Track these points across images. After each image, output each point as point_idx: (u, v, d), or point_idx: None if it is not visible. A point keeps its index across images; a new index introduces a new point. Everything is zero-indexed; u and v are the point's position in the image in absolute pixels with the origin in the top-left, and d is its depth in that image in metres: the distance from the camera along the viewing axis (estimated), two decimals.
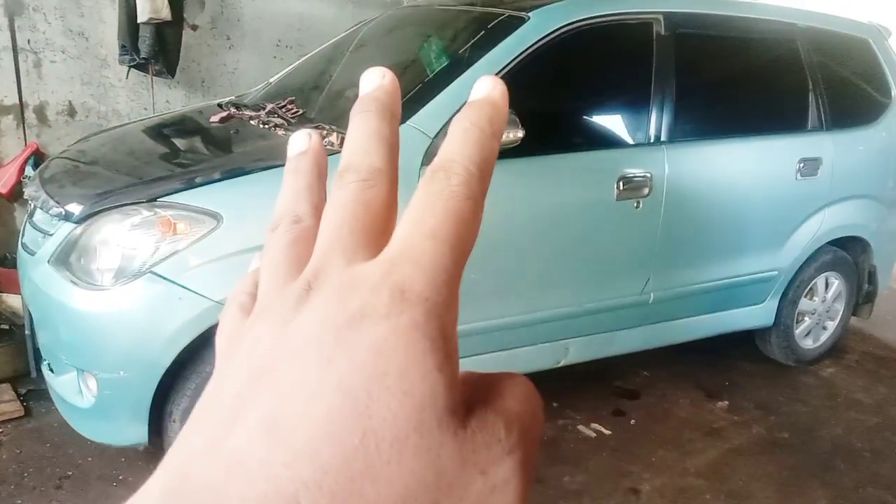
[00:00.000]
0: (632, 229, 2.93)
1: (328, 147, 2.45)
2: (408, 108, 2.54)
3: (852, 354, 4.08)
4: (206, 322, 2.16)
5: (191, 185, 2.23)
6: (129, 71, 3.98)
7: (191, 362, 2.26)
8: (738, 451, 3.04)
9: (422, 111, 2.49)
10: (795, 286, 3.62)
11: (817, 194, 3.47)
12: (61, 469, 2.59)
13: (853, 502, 2.76)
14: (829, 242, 3.65)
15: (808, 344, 3.84)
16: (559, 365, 2.98)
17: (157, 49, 3.81)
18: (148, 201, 2.19)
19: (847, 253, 3.82)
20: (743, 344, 3.85)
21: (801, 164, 3.35)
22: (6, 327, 3.16)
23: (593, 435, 3.08)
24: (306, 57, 3.65)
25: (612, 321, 3.04)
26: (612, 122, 2.98)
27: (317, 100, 3.16)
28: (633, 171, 2.85)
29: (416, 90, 2.69)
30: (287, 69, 3.59)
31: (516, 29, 2.69)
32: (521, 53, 2.63)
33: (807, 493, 2.79)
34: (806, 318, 3.78)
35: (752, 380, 3.67)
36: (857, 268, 3.90)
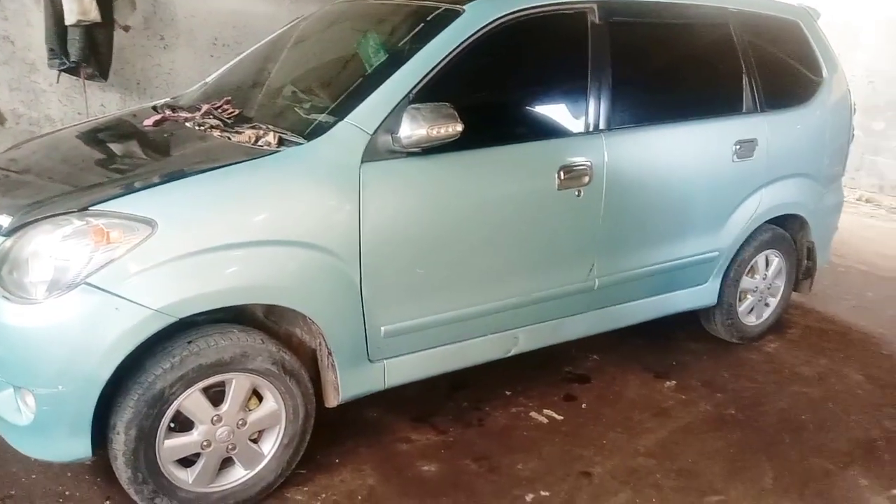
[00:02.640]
0: (574, 218, 2.96)
1: (266, 146, 2.43)
2: (346, 106, 2.52)
3: (795, 329, 4.20)
4: (145, 332, 2.12)
5: (123, 192, 2.17)
6: (59, 75, 3.87)
7: (133, 373, 2.21)
8: (687, 429, 3.11)
9: (359, 108, 2.47)
10: (737, 265, 3.70)
11: (754, 175, 3.55)
12: (4, 489, 2.51)
13: (798, 473, 2.84)
14: (767, 221, 3.74)
15: (751, 321, 3.94)
16: (509, 354, 3.01)
17: (88, 52, 3.71)
18: (79, 210, 2.12)
19: (786, 231, 3.92)
20: (688, 324, 3.93)
21: (738, 146, 3.43)
22: None
23: (545, 421, 3.11)
24: (243, 55, 3.59)
25: (559, 309, 3.07)
26: (550, 112, 2.99)
27: (255, 98, 3.11)
28: (573, 160, 2.87)
29: (354, 87, 2.66)
30: (223, 68, 3.53)
31: (452, 22, 2.68)
32: (458, 46, 2.63)
33: (754, 466, 2.87)
34: (748, 296, 3.88)
35: (699, 359, 3.76)
36: (796, 245, 4.00)
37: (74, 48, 3.67)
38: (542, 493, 2.65)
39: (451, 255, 2.67)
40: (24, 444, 2.23)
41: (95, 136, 2.99)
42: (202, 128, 2.73)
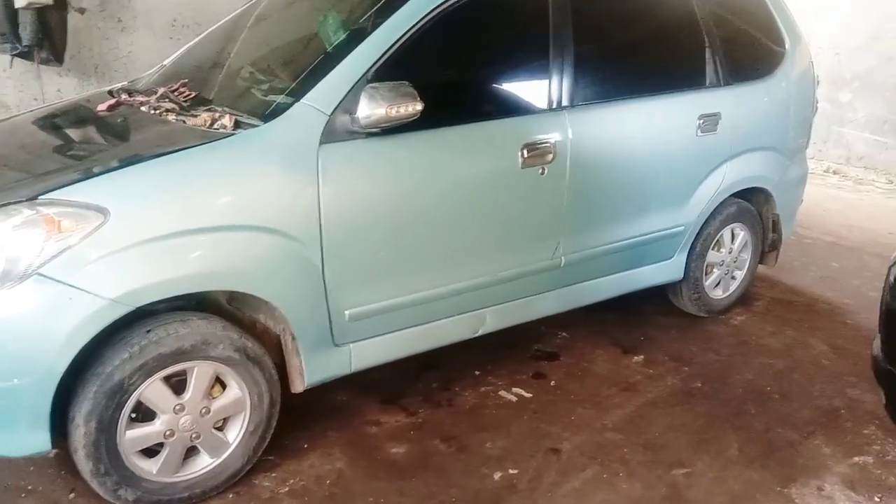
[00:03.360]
0: (539, 196, 2.95)
1: (221, 129, 2.39)
2: (303, 86, 2.48)
3: (762, 301, 4.25)
4: (101, 322, 2.09)
5: (74, 180, 2.12)
6: (12, 60, 3.77)
7: (92, 364, 2.18)
8: (654, 403, 3.14)
9: (316, 88, 2.43)
10: (702, 239, 3.72)
11: (718, 149, 3.56)
12: None
13: (763, 444, 2.88)
14: (732, 195, 3.76)
15: (718, 294, 3.97)
16: (477, 334, 3.01)
17: (41, 36, 3.62)
18: (28, 200, 2.07)
19: (751, 204, 3.94)
20: (656, 299, 3.96)
21: (701, 121, 3.43)
22: None
23: (514, 399, 3.12)
24: (202, 36, 3.52)
25: (526, 287, 3.07)
26: (513, 89, 2.97)
27: (213, 80, 3.05)
28: (536, 138, 2.86)
29: (312, 67, 2.62)
30: (181, 50, 3.46)
31: None
32: (418, 23, 2.59)
33: (719, 438, 2.90)
34: (715, 270, 3.91)
35: (667, 333, 3.79)
36: (762, 218, 4.03)
37: (26, 32, 3.57)
38: (511, 470, 2.66)
39: (414, 237, 2.65)
40: None
41: (50, 123, 2.92)
42: (157, 112, 2.68)
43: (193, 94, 2.81)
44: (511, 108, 2.90)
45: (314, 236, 2.41)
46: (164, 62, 3.42)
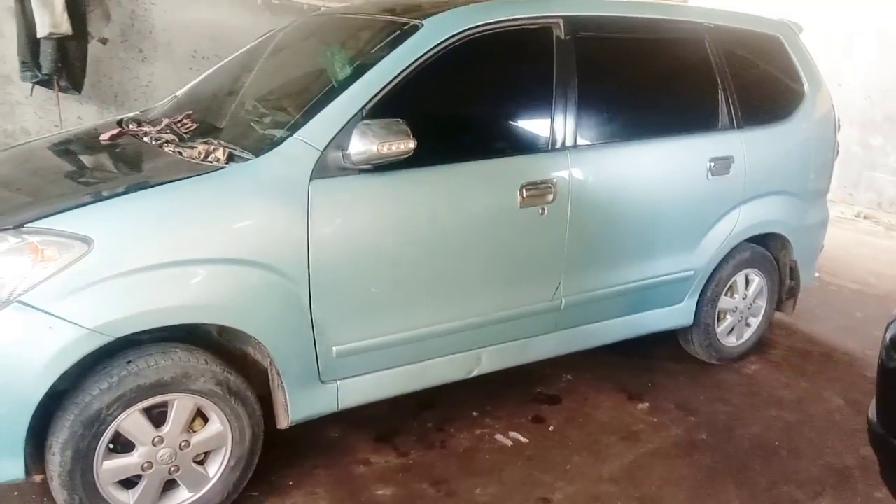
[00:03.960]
0: (538, 235, 2.90)
1: (214, 162, 2.39)
2: (298, 121, 2.48)
3: (778, 350, 4.11)
4: (80, 351, 2.08)
5: (60, 209, 2.13)
6: (32, 87, 3.86)
7: (70, 393, 2.17)
8: (655, 454, 3.03)
9: (310, 123, 2.43)
10: (714, 284, 3.62)
11: (730, 192, 3.48)
12: None
13: (766, 503, 2.76)
14: (746, 240, 3.66)
15: (731, 342, 3.86)
16: (472, 375, 2.95)
17: (60, 64, 3.71)
18: (14, 227, 2.09)
19: (766, 249, 3.84)
20: (668, 344, 3.86)
21: (712, 164, 3.36)
22: None
23: (510, 444, 3.04)
24: (214, 68, 3.57)
25: (524, 328, 3.01)
26: (512, 129, 2.94)
27: (217, 112, 3.07)
28: (536, 178, 2.82)
29: (310, 102, 2.62)
30: (194, 81, 3.51)
31: (410, 37, 2.64)
32: (415, 62, 2.59)
33: (720, 495, 2.79)
34: (728, 316, 3.80)
35: (676, 380, 3.67)
36: (778, 264, 3.92)
37: (46, 61, 3.66)
38: None
39: (405, 275, 2.61)
40: None
41: (59, 149, 2.96)
42: (157, 142, 2.70)
43: (195, 125, 2.83)
44: (509, 148, 2.87)
45: (302, 271, 2.39)
46: (177, 93, 3.47)
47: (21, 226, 2.09)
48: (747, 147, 3.49)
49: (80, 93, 3.96)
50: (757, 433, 3.23)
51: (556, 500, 2.70)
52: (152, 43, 4.36)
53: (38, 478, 2.55)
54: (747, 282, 3.82)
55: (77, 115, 4.15)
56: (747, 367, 3.87)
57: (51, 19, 3.55)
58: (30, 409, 2.06)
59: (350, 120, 2.43)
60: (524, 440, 3.07)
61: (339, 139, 2.41)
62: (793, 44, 3.82)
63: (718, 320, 3.76)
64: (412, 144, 2.40)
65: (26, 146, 3.18)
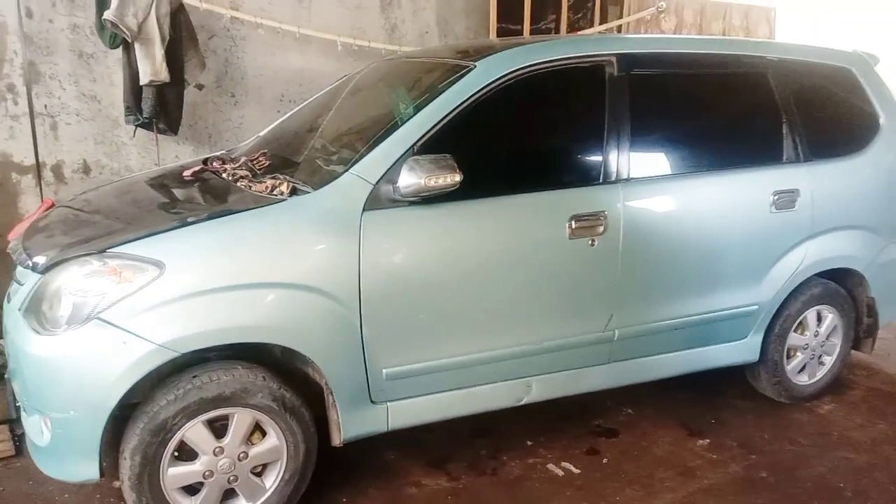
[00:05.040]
0: (589, 267, 2.95)
1: (278, 196, 2.60)
2: (355, 157, 2.66)
3: (857, 390, 3.94)
4: (150, 364, 2.31)
5: (138, 236, 2.39)
6: (135, 130, 4.26)
7: (141, 404, 2.40)
8: (709, 490, 2.98)
9: (364, 159, 2.61)
10: (782, 320, 3.54)
11: (796, 227, 3.41)
12: None
13: None
14: (817, 275, 3.57)
15: (802, 380, 3.74)
16: (522, 403, 3.00)
17: (158, 109, 4.07)
18: (98, 252, 2.35)
19: (841, 285, 3.72)
20: (738, 381, 3.78)
21: (776, 197, 3.32)
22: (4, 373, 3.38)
23: (561, 474, 3.07)
24: (295, 110, 3.84)
25: (575, 359, 3.05)
26: (562, 162, 3.02)
27: (293, 149, 3.30)
28: (586, 210, 2.89)
29: (369, 140, 2.79)
30: (275, 123, 3.79)
31: (463, 77, 2.79)
32: (467, 100, 2.73)
33: None
34: (798, 353, 3.69)
35: (741, 417, 3.59)
36: (854, 301, 3.79)
37: (147, 105, 4.04)
38: None
39: (454, 302, 2.73)
40: (43, 463, 2.46)
41: (153, 184, 3.25)
42: (233, 178, 2.95)
43: (268, 162, 3.08)
44: (558, 180, 2.95)
45: (353, 297, 2.54)
46: (261, 133, 3.76)
47: (104, 251, 2.36)
48: (815, 180, 3.43)
49: (175, 134, 4.33)
50: (822, 474, 3.12)
51: None
52: (244, 88, 4.72)
53: (115, 483, 2.81)
54: (819, 318, 3.70)
55: (174, 154, 4.53)
56: (820, 407, 3.74)
57: (151, 68, 3.94)
58: (104, 416, 2.30)
59: (402, 156, 2.59)
60: (576, 471, 3.10)
61: (391, 174, 2.57)
62: (866, 75, 3.73)
63: (788, 357, 3.66)
64: (458, 178, 2.53)
65: (128, 180, 3.52)
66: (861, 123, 3.69)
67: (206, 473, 2.48)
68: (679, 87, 3.25)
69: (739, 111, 3.40)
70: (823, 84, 3.64)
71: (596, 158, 2.98)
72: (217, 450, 2.47)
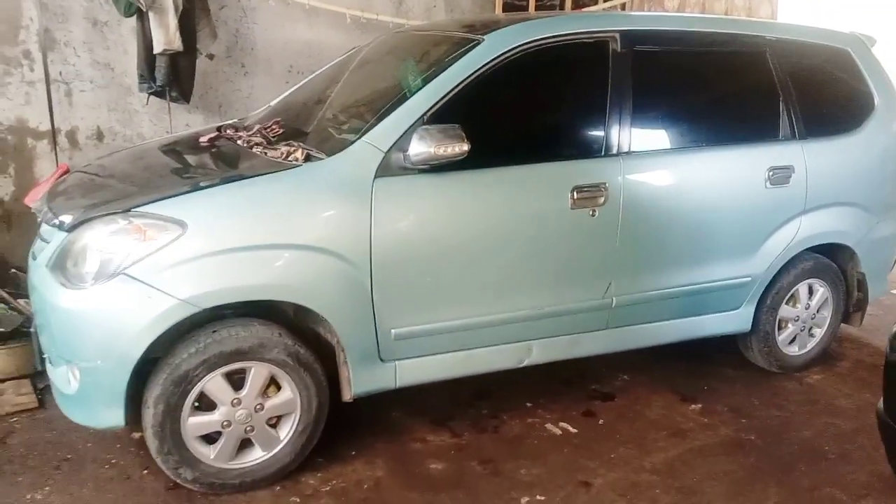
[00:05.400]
0: (589, 236, 3.08)
1: (293, 162, 2.72)
2: (367, 126, 2.77)
3: (845, 362, 4.09)
4: (173, 318, 2.43)
5: (162, 197, 2.51)
6: (148, 98, 4.36)
7: (165, 355, 2.53)
8: (700, 450, 3.13)
9: (376, 128, 2.72)
10: (774, 292, 3.67)
11: (790, 202, 3.54)
12: (62, 453, 2.90)
13: (804, 501, 2.82)
14: (809, 249, 3.70)
15: (792, 350, 3.88)
16: (523, 365, 3.14)
17: (171, 77, 4.17)
18: (123, 211, 2.47)
19: (833, 260, 3.85)
20: (730, 351, 3.93)
21: (771, 173, 3.44)
22: (29, 329, 3.51)
23: (559, 433, 3.22)
24: (304, 81, 3.94)
25: (574, 324, 3.18)
26: (565, 135, 3.13)
27: (305, 119, 3.41)
28: (587, 182, 3.00)
29: (380, 110, 2.90)
30: (286, 93, 3.89)
31: (471, 50, 2.89)
32: (475, 73, 2.83)
33: (759, 491, 2.87)
34: (789, 325, 3.83)
35: (732, 385, 3.74)
36: (845, 275, 3.92)
37: (160, 74, 4.14)
38: (539, 497, 2.77)
39: (459, 267, 2.85)
40: (71, 410, 2.60)
41: (167, 149, 3.37)
42: (248, 145, 3.06)
43: (282, 130, 3.19)
44: (562, 153, 3.05)
45: (365, 260, 2.67)
46: (271, 102, 3.86)
47: (129, 210, 2.48)
48: (809, 158, 3.54)
49: (188, 103, 4.42)
50: (808, 438, 3.27)
51: (596, 485, 2.86)
52: (253, 59, 4.81)
53: (135, 434, 2.96)
54: (811, 291, 3.84)
55: (186, 122, 4.62)
56: (809, 377, 3.89)
57: (165, 37, 4.03)
58: (130, 365, 2.43)
59: (412, 125, 2.70)
60: (573, 430, 3.24)
61: (402, 142, 2.68)
62: (863, 57, 3.83)
63: (779, 328, 3.80)
64: (465, 147, 2.64)
65: (140, 147, 3.64)
66: (856, 103, 3.80)
67: (225, 423, 2.62)
68: (680, 64, 3.35)
69: (738, 89, 3.51)
70: (821, 64, 3.74)
71: (598, 132, 3.09)
72: (235, 401, 2.61)
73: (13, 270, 4.17)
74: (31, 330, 2.90)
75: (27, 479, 2.72)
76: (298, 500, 2.69)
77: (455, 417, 3.30)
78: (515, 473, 2.91)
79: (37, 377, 3.40)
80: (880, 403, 2.26)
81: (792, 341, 3.87)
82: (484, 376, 3.15)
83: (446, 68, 2.84)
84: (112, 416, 2.49)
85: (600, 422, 3.34)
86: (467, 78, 2.81)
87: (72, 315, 2.45)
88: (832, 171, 3.66)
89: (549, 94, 3.08)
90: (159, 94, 4.30)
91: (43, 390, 3.32)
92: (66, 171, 4.21)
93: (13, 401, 3.23)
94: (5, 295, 3.79)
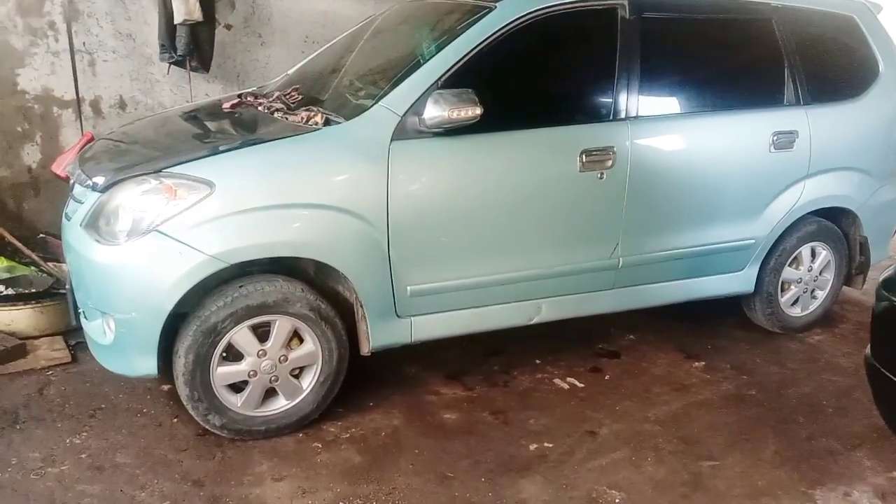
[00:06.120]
0: (597, 198, 3.19)
1: (313, 125, 2.84)
2: (383, 91, 2.89)
3: (846, 324, 4.21)
4: (203, 273, 2.58)
5: (191, 158, 2.64)
6: (169, 67, 4.48)
7: (195, 308, 2.69)
8: (702, 404, 3.28)
9: (392, 93, 2.84)
10: (777, 255, 3.79)
11: (794, 166, 3.64)
12: (96, 403, 3.07)
13: (801, 450, 2.96)
14: (812, 213, 3.80)
15: (795, 312, 4.00)
16: (532, 322, 3.28)
17: (192, 47, 4.29)
18: (154, 172, 2.61)
19: (836, 224, 3.95)
20: (734, 313, 4.05)
21: (775, 138, 3.53)
22: (60, 290, 3.68)
23: (566, 387, 3.37)
24: (320, 50, 4.05)
25: (582, 283, 3.31)
26: (574, 100, 3.24)
27: (323, 86, 3.53)
28: (596, 145, 3.11)
29: (396, 76, 3.01)
30: (303, 62, 4.00)
31: (484, 17, 3.00)
32: (487, 39, 2.93)
33: (758, 440, 3.01)
34: (792, 287, 3.94)
35: (736, 344, 3.87)
36: (847, 239, 4.02)
37: (181, 44, 4.26)
38: (546, 444, 2.92)
39: (471, 227, 2.98)
40: (106, 360, 2.76)
41: (189, 116, 3.50)
42: (269, 110, 3.18)
43: (301, 97, 3.31)
44: (571, 117, 3.16)
45: (382, 219, 2.80)
46: (289, 71, 3.97)
47: (160, 171, 2.61)
48: (813, 123, 3.63)
49: (207, 72, 4.55)
50: (807, 393, 3.41)
51: (601, 434, 3.01)
52: (270, 29, 4.92)
53: (164, 386, 3.13)
54: (813, 254, 3.94)
55: (205, 91, 4.75)
56: (811, 338, 4.01)
57: (185, 7, 4.14)
58: (162, 317, 2.59)
59: (427, 90, 2.82)
60: (580, 385, 3.39)
61: (417, 106, 2.80)
62: (868, 24, 3.90)
63: (782, 290, 3.91)
64: (479, 111, 2.75)
65: (162, 114, 3.77)
66: (861, 70, 3.88)
67: (251, 373, 2.77)
68: (687, 30, 3.43)
69: (744, 55, 3.59)
70: (826, 31, 3.81)
71: (606, 97, 3.19)
72: (261, 352, 2.76)
73: (42, 235, 4.33)
74: (66, 287, 3.05)
75: (66, 426, 2.90)
76: (320, 445, 2.85)
77: (468, 373, 3.45)
78: (525, 423, 3.06)
79: (69, 334, 3.58)
80: (868, 349, 2.40)
81: (794, 303, 3.99)
82: (495, 335, 3.30)
83: (460, 34, 2.95)
84: (145, 364, 2.65)
85: (606, 377, 3.48)
86: (480, 44, 2.92)
87: (107, 270, 2.60)
88: (836, 136, 3.75)
89: (560, 60, 3.17)
90: (180, 63, 4.43)
91: (75, 346, 3.49)
92: (91, 139, 4.36)
93: (48, 355, 3.40)
94: (36, 258, 3.96)
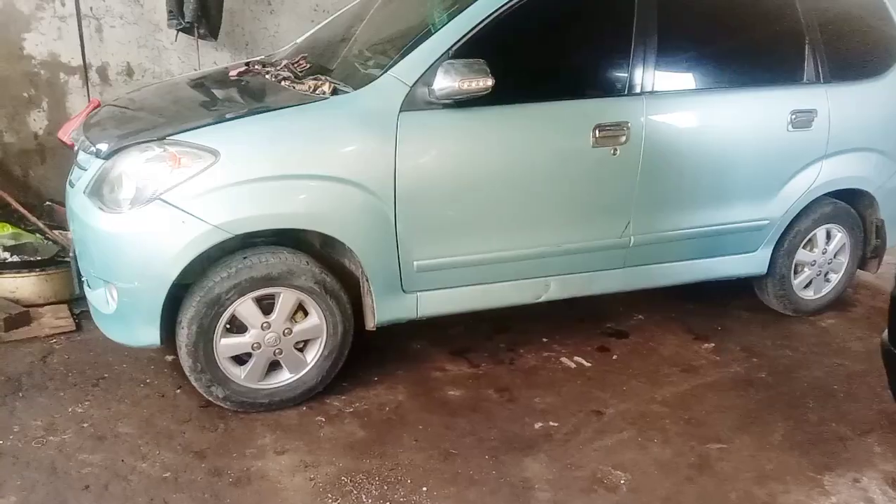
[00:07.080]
0: (609, 175, 3.13)
1: (320, 94, 2.78)
2: (393, 61, 2.82)
3: (859, 308, 4.15)
4: (206, 243, 2.54)
5: (196, 126, 2.59)
6: (177, 34, 4.42)
7: (199, 278, 2.65)
8: (710, 385, 3.23)
9: (402, 63, 2.77)
10: (791, 236, 3.72)
11: (812, 146, 3.55)
12: (99, 372, 3.05)
13: (811, 434, 2.91)
14: (828, 194, 3.72)
15: (808, 295, 3.94)
16: (540, 300, 3.23)
17: (200, 14, 4.22)
18: (159, 139, 2.57)
19: (853, 206, 3.87)
20: (745, 294, 3.99)
21: (794, 116, 3.45)
22: (65, 258, 3.66)
23: (573, 366, 3.33)
24: (329, 19, 3.97)
25: (593, 262, 3.25)
26: (589, 73, 3.15)
27: (331, 55, 3.46)
28: (610, 120, 3.04)
29: (405, 45, 2.94)
30: (312, 30, 3.93)
31: None
32: (500, 8, 2.85)
33: (766, 423, 2.96)
34: (805, 269, 3.88)
35: (746, 327, 3.82)
36: (864, 222, 3.95)
37: (189, 10, 4.19)
38: (552, 423, 2.89)
39: (480, 202, 2.92)
40: (109, 329, 2.74)
41: (196, 84, 3.45)
42: (276, 79, 3.12)
43: (309, 66, 3.24)
44: (585, 91, 3.09)
45: (389, 192, 2.75)
46: (297, 40, 3.91)
47: (164, 138, 2.57)
48: (833, 102, 3.54)
49: (216, 40, 4.48)
50: (817, 377, 3.35)
51: (607, 414, 2.97)
52: None
53: (168, 357, 3.11)
54: (828, 236, 3.87)
55: (213, 59, 4.68)
56: (823, 321, 3.95)
57: None
58: (166, 286, 2.55)
59: (437, 60, 2.75)
60: (587, 364, 3.35)
61: (427, 76, 2.73)
62: (894, 2, 3.79)
63: (795, 272, 3.85)
64: (490, 82, 2.68)
65: (169, 81, 3.72)
66: (883, 48, 3.77)
67: (255, 345, 2.75)
68: (705, 5, 3.34)
69: (763, 31, 3.49)
70: (848, 9, 3.71)
71: (621, 71, 3.11)
72: (265, 325, 2.73)
73: (48, 202, 4.30)
74: (70, 255, 3.02)
75: (69, 395, 2.88)
76: (324, 419, 2.83)
77: (474, 350, 3.42)
78: (530, 401, 3.03)
79: (74, 303, 3.56)
80: (884, 334, 2.34)
81: (807, 285, 3.93)
82: (502, 312, 3.26)
83: (472, 3, 2.86)
84: (148, 334, 2.62)
85: (614, 357, 3.44)
86: (493, 13, 2.84)
87: (110, 238, 2.57)
88: (855, 115, 3.66)
89: (574, 32, 3.09)
90: (187, 30, 4.36)
91: (80, 315, 3.47)
92: (98, 106, 4.31)
93: (52, 323, 3.39)
94: (41, 225, 3.93)
